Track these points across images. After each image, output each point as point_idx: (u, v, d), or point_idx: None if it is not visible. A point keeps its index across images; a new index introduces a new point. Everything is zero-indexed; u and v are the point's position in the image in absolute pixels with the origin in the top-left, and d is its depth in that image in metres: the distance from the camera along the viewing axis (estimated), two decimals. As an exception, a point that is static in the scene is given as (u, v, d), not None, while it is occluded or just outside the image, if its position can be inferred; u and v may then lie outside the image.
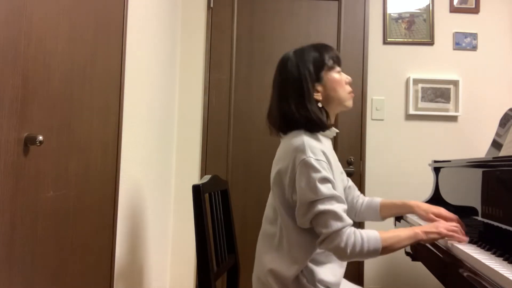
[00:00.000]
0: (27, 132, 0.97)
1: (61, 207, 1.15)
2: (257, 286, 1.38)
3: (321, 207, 1.21)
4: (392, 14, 2.71)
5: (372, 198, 1.60)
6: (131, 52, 1.66)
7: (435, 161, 2.02)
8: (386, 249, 1.22)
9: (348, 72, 2.60)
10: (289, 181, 1.29)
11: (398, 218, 2.01)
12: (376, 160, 2.66)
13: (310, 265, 1.30)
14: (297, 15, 2.67)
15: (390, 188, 2.63)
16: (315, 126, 1.33)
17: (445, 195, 1.88)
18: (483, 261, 1.11)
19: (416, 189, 2.56)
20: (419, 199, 2.10)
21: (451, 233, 1.31)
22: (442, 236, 1.30)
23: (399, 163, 2.67)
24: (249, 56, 2.66)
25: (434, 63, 2.70)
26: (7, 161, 0.91)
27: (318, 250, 1.31)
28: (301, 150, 1.26)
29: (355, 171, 2.60)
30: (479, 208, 1.44)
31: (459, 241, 1.32)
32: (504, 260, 1.15)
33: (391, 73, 2.70)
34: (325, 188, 1.22)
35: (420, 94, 2.67)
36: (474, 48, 2.70)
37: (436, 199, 1.96)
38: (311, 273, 1.30)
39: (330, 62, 1.37)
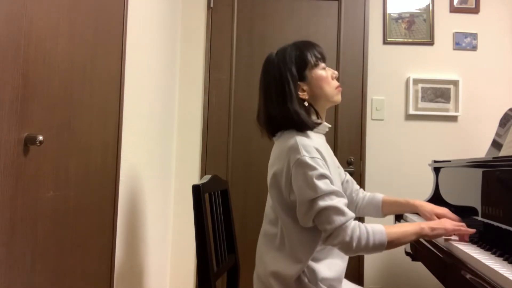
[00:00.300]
0: (27, 132, 0.97)
1: (61, 207, 1.15)
2: (258, 286, 1.38)
3: (322, 203, 1.21)
4: (392, 14, 2.71)
5: (374, 194, 1.60)
6: (131, 52, 1.66)
7: (435, 161, 2.02)
8: (392, 243, 1.22)
9: (348, 72, 2.63)
10: (285, 182, 1.28)
11: (398, 218, 2.01)
12: (376, 160, 2.66)
13: (311, 263, 1.30)
14: (297, 15, 2.67)
15: (390, 188, 2.63)
16: (299, 126, 1.32)
17: (445, 195, 1.88)
18: (483, 261, 1.11)
19: (416, 189, 2.56)
20: (419, 199, 2.09)
21: (457, 227, 1.31)
22: (448, 232, 1.30)
23: (399, 163, 2.67)
24: (249, 56, 2.65)
25: (434, 63, 2.70)
26: (7, 161, 0.91)
27: (318, 248, 1.31)
28: (294, 149, 1.26)
29: (355, 171, 2.60)
30: (479, 208, 1.44)
31: (463, 240, 1.32)
32: (504, 260, 1.15)
33: (391, 73, 2.70)
34: (323, 184, 1.22)
35: (420, 94, 2.67)
36: (474, 48, 2.70)
37: (436, 199, 1.96)
38: (312, 272, 1.30)
39: (313, 60, 1.36)
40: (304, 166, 1.23)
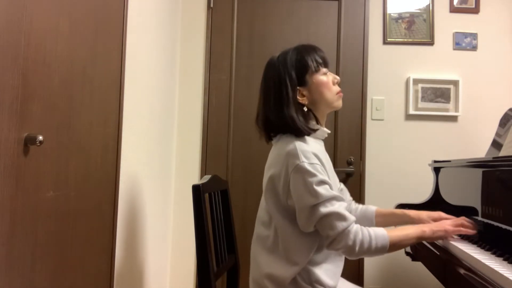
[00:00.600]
0: (27, 132, 0.97)
1: (61, 207, 1.15)
2: (254, 288, 1.38)
3: (324, 210, 1.21)
4: (392, 14, 2.71)
5: (367, 206, 1.60)
6: (131, 52, 1.66)
7: (435, 161, 2.02)
8: (394, 246, 1.23)
9: (348, 72, 2.63)
10: (283, 186, 1.28)
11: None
12: (376, 160, 2.66)
13: (307, 266, 1.30)
14: (297, 15, 2.67)
15: (390, 188, 2.63)
16: (294, 132, 1.31)
17: (445, 195, 1.88)
18: (483, 261, 1.12)
19: (416, 189, 2.56)
20: (419, 199, 2.10)
21: (457, 228, 1.33)
22: (449, 233, 1.32)
23: (399, 163, 2.67)
24: (249, 56, 2.65)
25: (434, 63, 2.70)
26: (7, 161, 0.91)
27: (315, 250, 1.31)
28: (293, 155, 1.25)
29: (355, 171, 2.60)
30: (479, 208, 1.44)
31: (468, 233, 1.34)
32: (504, 260, 1.15)
33: (391, 73, 2.70)
34: (324, 190, 1.22)
35: (420, 94, 2.67)
36: (474, 48, 2.70)
37: (436, 199, 1.96)
38: (308, 274, 1.29)
39: (314, 65, 1.35)
40: (304, 172, 1.23)
